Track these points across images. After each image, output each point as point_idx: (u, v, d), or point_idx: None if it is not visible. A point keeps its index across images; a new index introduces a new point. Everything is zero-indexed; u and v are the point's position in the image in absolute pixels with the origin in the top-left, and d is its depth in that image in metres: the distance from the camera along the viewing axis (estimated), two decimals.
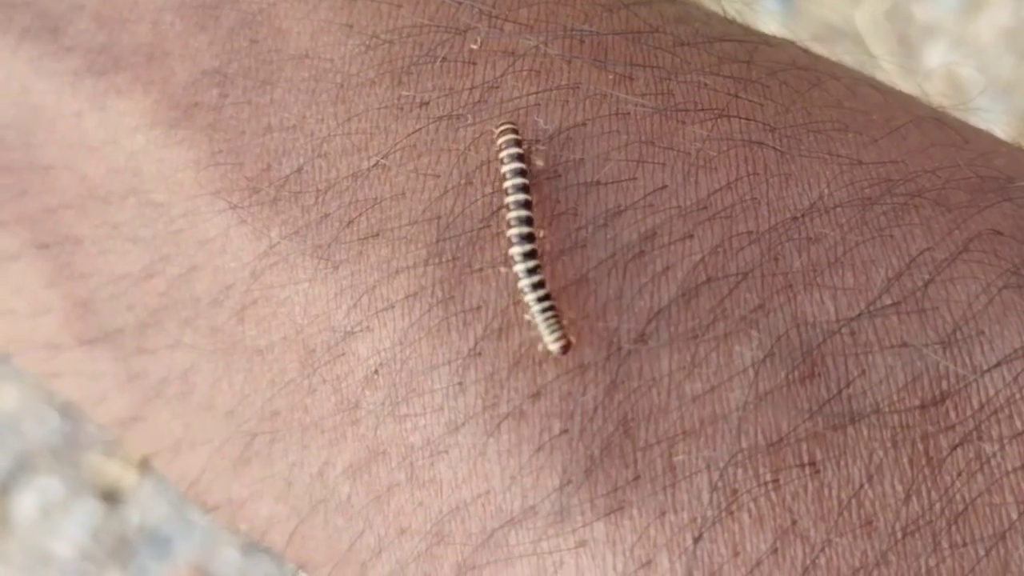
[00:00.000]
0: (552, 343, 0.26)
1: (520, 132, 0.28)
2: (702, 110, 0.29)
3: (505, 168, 0.28)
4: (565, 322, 0.27)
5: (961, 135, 0.30)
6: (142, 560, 1.12)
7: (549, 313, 0.26)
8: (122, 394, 0.33)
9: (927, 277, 0.27)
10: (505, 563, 0.27)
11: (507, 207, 0.27)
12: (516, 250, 0.27)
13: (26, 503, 1.14)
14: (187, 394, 0.32)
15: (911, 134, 0.30)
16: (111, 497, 1.14)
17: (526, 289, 0.27)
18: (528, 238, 0.27)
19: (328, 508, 0.30)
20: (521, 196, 0.27)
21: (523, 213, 0.27)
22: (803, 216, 0.27)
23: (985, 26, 1.10)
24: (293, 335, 0.30)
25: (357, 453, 0.29)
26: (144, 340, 0.32)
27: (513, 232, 0.27)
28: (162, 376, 0.32)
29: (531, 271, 0.27)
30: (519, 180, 0.27)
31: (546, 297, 0.27)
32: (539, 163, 0.28)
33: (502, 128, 0.28)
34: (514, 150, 0.28)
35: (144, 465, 1.14)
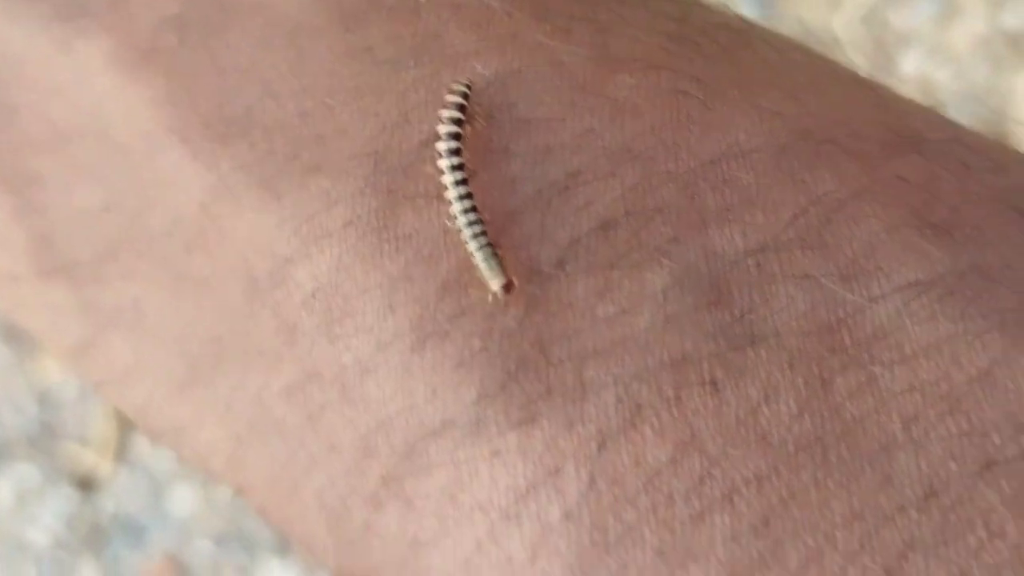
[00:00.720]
0: (493, 279, 0.28)
1: (469, 93, 0.29)
2: (633, 61, 0.30)
3: (443, 113, 0.29)
4: (504, 262, 0.28)
5: (882, 96, 0.32)
6: (116, 549, 1.12)
7: (488, 250, 0.28)
8: (77, 323, 0.35)
9: (830, 214, 0.28)
10: (425, 473, 0.29)
11: (439, 141, 0.29)
12: (448, 179, 0.29)
13: (1, 490, 1.14)
14: (138, 322, 0.33)
15: (832, 92, 0.31)
16: (86, 485, 1.14)
17: (463, 225, 0.28)
18: (460, 169, 0.29)
19: (264, 429, 0.32)
20: (453, 143, 0.29)
21: (453, 144, 0.29)
22: (720, 160, 0.29)
23: (960, 34, 1.11)
24: (237, 264, 0.31)
25: (293, 374, 0.31)
26: (100, 271, 0.34)
27: (447, 176, 0.29)
28: (115, 305, 0.34)
29: (468, 210, 0.28)
30: (453, 127, 0.29)
31: (483, 234, 0.28)
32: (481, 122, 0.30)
33: (454, 87, 0.30)
34: (456, 100, 0.29)
35: (120, 454, 1.14)
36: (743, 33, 0.33)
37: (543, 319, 0.28)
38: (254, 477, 0.33)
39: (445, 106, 0.29)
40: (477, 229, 0.28)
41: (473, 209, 0.28)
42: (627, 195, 0.29)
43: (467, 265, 0.29)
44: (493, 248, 0.28)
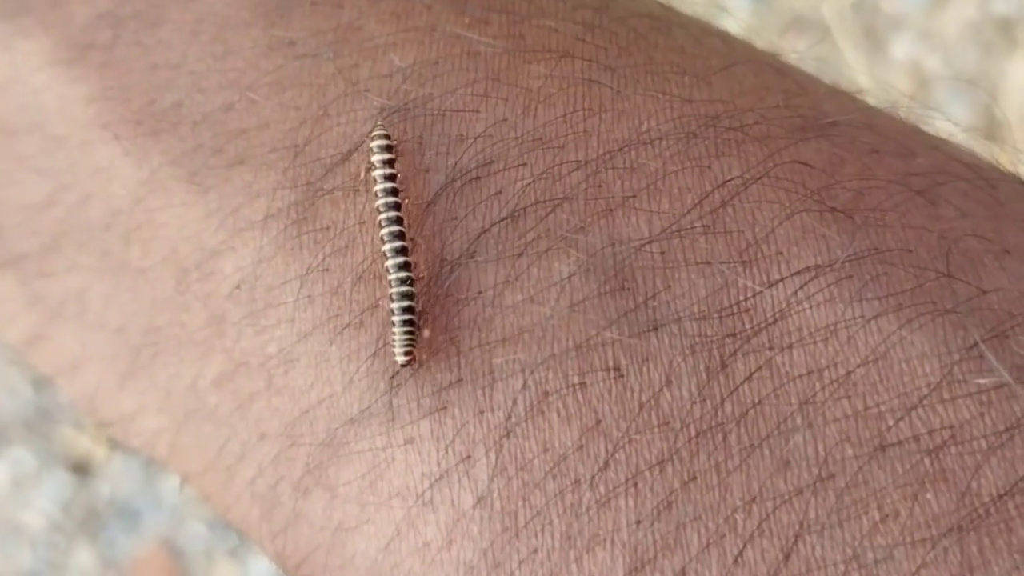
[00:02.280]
0: (398, 354, 0.29)
1: (392, 140, 0.30)
2: (548, 51, 0.31)
3: (376, 173, 0.29)
4: (418, 337, 0.29)
5: (797, 82, 0.32)
6: (111, 533, 1.13)
7: (407, 328, 0.28)
8: (26, 315, 0.36)
9: (732, 199, 0.29)
10: (346, 461, 0.30)
11: (378, 211, 0.29)
12: (391, 263, 0.29)
13: None
14: (82, 313, 0.34)
15: (746, 78, 0.32)
16: (81, 470, 1.15)
17: (394, 296, 0.29)
18: (402, 251, 0.29)
19: (199, 417, 0.32)
20: (392, 213, 0.29)
21: (395, 229, 0.29)
22: (628, 147, 0.29)
23: (951, 20, 1.11)
24: (170, 255, 0.32)
25: (223, 364, 0.32)
26: (45, 264, 0.35)
27: (387, 247, 0.29)
28: (61, 297, 0.35)
29: (402, 281, 0.29)
30: (391, 198, 0.29)
31: (409, 309, 0.29)
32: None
33: (374, 134, 0.30)
34: (384, 156, 0.29)
35: (114, 440, 1.15)
36: (661, 20, 0.33)
37: (453, 308, 0.29)
38: (193, 465, 0.33)
39: (372, 166, 0.30)
40: (405, 304, 0.29)
41: (407, 283, 0.29)
42: (536, 184, 0.29)
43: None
44: (413, 326, 0.29)
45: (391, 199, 0.29)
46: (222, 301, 0.31)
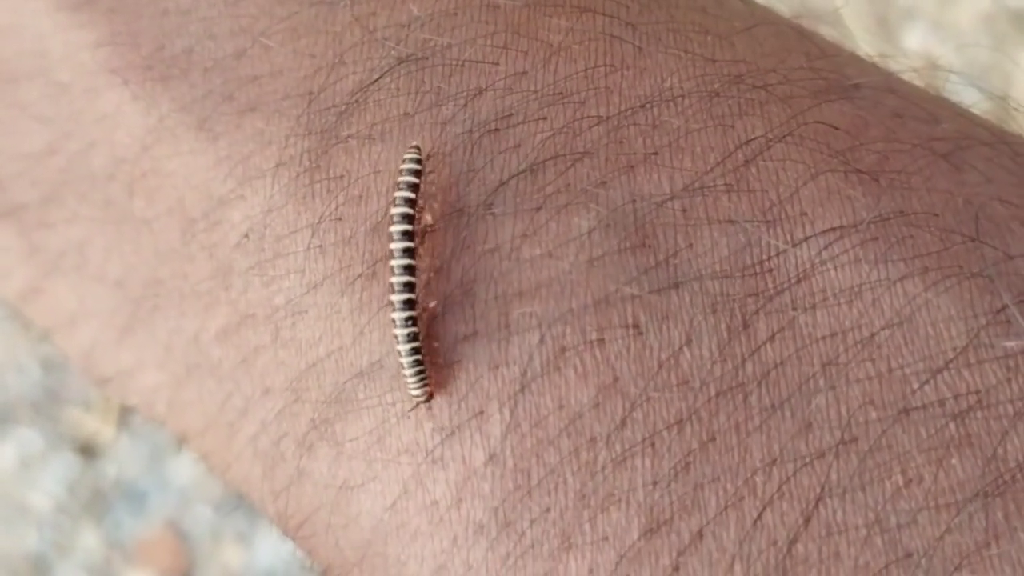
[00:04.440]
0: (415, 392, 0.28)
1: (420, 166, 0.29)
2: (568, 5, 0.30)
3: (394, 212, 0.28)
4: (429, 373, 0.28)
5: (819, 46, 0.32)
6: (117, 515, 1.13)
7: (417, 367, 0.28)
8: (24, 267, 0.35)
9: (755, 158, 0.28)
10: (354, 415, 0.29)
11: (391, 253, 0.28)
12: (396, 298, 0.28)
13: (6, 454, 1.15)
14: (81, 266, 0.34)
15: (768, 40, 0.31)
16: (88, 451, 1.15)
17: (400, 337, 0.28)
18: (408, 287, 0.28)
19: (201, 372, 0.32)
20: (403, 244, 0.28)
21: (405, 262, 0.28)
22: (650, 104, 0.29)
23: (964, 11, 1.11)
24: (176, 205, 0.32)
25: (228, 317, 0.31)
26: (45, 215, 0.34)
27: (395, 280, 0.28)
28: (60, 249, 0.34)
29: (407, 321, 0.28)
30: (402, 229, 0.28)
31: (416, 351, 0.28)
32: (429, 217, 0.29)
33: (406, 157, 0.29)
34: (405, 194, 0.28)
35: (122, 420, 1.15)
36: None
37: (470, 261, 0.28)
38: (193, 422, 0.33)
39: (394, 203, 0.29)
40: (414, 345, 0.28)
41: (412, 323, 0.28)
42: (556, 138, 0.29)
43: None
44: (421, 361, 0.28)
45: (405, 244, 0.28)
46: (229, 251, 0.31)
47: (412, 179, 0.28)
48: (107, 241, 0.33)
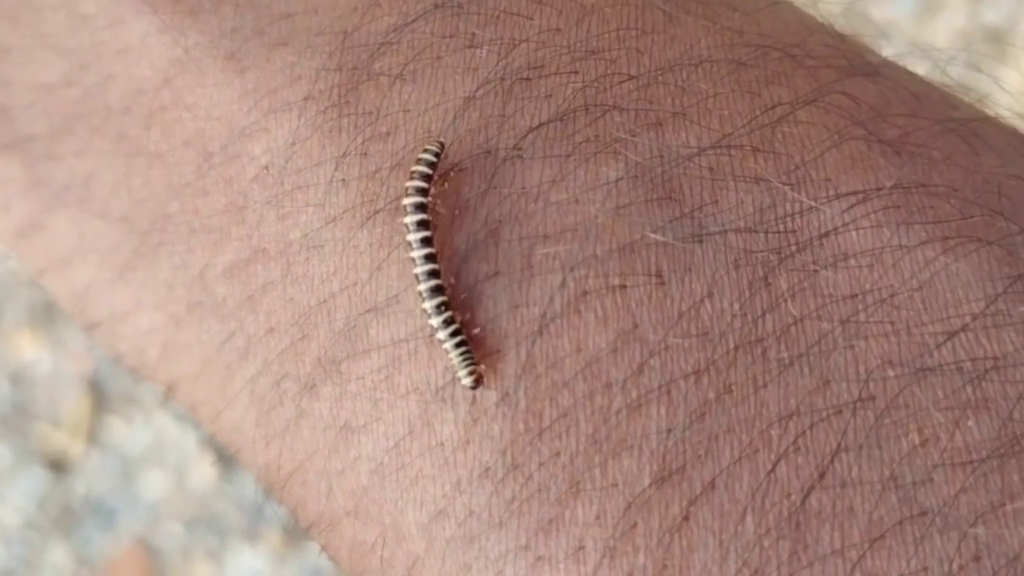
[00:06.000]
0: (465, 378, 0.27)
1: (437, 160, 0.28)
2: None
3: (407, 211, 0.28)
4: (477, 356, 0.27)
5: (841, 35, 0.32)
6: (86, 531, 1.12)
7: (462, 348, 0.27)
8: (25, 201, 0.35)
9: (781, 122, 0.28)
10: (363, 353, 0.29)
11: (410, 246, 0.28)
12: (424, 286, 0.28)
13: None
14: (86, 200, 0.33)
15: (791, 19, 0.32)
16: (58, 466, 1.14)
17: (438, 325, 0.27)
18: (434, 274, 0.28)
19: (203, 310, 0.31)
20: (423, 235, 0.28)
21: (427, 251, 0.28)
22: (679, 67, 0.29)
23: (941, 28, 1.10)
24: (194, 138, 0.31)
25: (238, 252, 0.31)
26: (53, 147, 0.34)
27: (420, 270, 0.28)
28: (65, 182, 0.34)
29: (439, 307, 0.27)
30: (422, 232, 0.28)
31: (457, 332, 0.27)
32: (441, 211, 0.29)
33: (424, 148, 0.29)
34: (418, 216, 0.28)
35: (92, 436, 1.14)
36: None
37: (496, 201, 0.28)
38: (187, 366, 0.32)
39: (405, 211, 0.28)
40: (452, 328, 0.27)
41: (445, 309, 0.27)
42: (587, 90, 0.29)
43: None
44: (468, 347, 0.27)
45: (422, 232, 0.28)
46: (245, 185, 0.30)
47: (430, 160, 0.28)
48: (116, 175, 0.33)
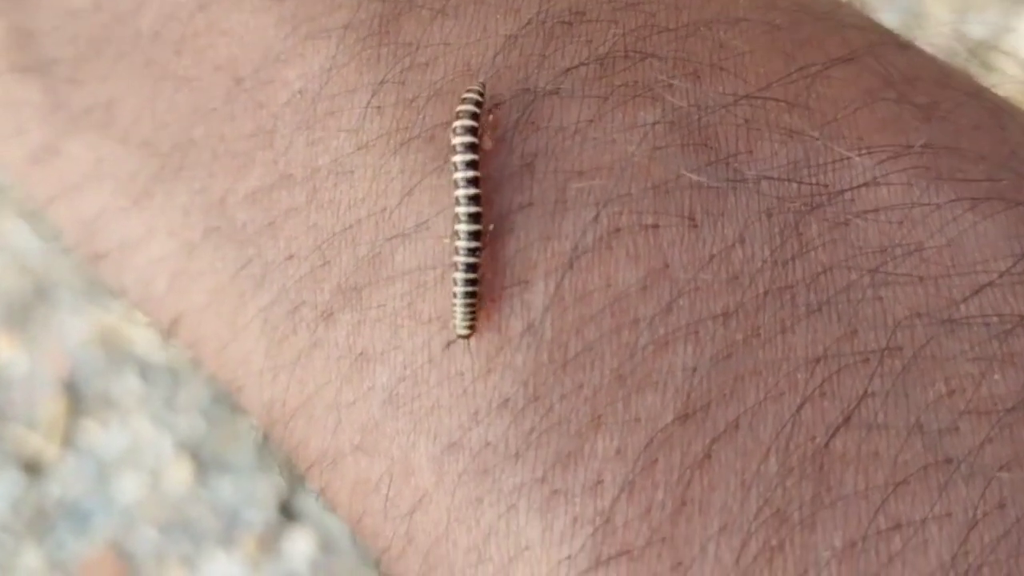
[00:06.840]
0: (460, 328, 0.27)
1: (481, 100, 0.28)
2: None
3: (456, 158, 0.28)
4: (480, 311, 0.27)
5: (868, 16, 0.32)
6: (60, 534, 1.11)
7: (469, 300, 0.27)
8: (43, 125, 0.34)
9: (815, 80, 0.28)
10: (387, 280, 0.28)
11: (455, 167, 0.28)
12: (462, 244, 0.27)
13: None
14: (107, 124, 0.33)
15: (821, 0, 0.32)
16: (32, 469, 1.13)
17: (463, 256, 0.27)
18: (475, 236, 0.27)
19: (220, 236, 0.31)
20: (470, 158, 0.28)
21: (472, 173, 0.28)
22: (715, 23, 0.29)
23: (924, 44, 1.11)
24: (225, 64, 0.31)
25: (262, 178, 0.30)
26: (77, 71, 0.34)
27: (462, 192, 0.28)
28: (86, 107, 0.33)
29: (470, 251, 0.27)
30: (470, 172, 0.28)
31: (473, 282, 0.27)
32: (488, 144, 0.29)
33: (465, 94, 0.29)
34: (468, 138, 0.28)
35: (68, 439, 1.13)
36: None
37: (532, 135, 0.28)
38: (197, 296, 0.32)
39: (454, 150, 0.28)
40: (471, 276, 0.27)
41: (476, 254, 0.27)
42: (626, 38, 0.29)
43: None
44: (475, 297, 0.27)
45: (470, 172, 0.28)
46: (276, 109, 0.30)
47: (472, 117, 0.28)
48: (140, 100, 0.33)
